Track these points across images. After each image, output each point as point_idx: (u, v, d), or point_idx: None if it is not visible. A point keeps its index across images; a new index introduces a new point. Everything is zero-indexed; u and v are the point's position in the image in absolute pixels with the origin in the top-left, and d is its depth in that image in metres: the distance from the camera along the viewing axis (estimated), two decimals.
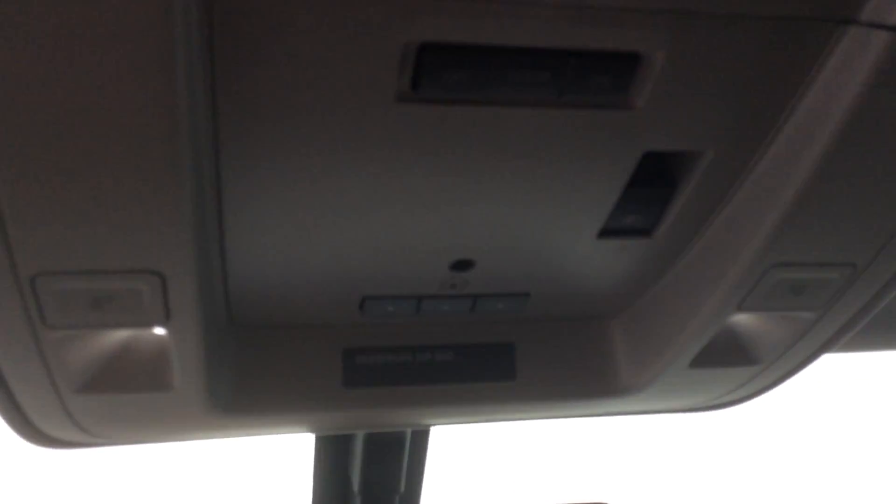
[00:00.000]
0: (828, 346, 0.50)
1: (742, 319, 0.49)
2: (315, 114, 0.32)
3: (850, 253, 0.41)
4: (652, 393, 0.52)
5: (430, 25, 0.29)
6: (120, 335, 0.40)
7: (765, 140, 0.37)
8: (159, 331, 0.40)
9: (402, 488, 0.72)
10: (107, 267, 0.34)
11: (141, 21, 0.26)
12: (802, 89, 0.34)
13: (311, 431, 0.57)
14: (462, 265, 0.43)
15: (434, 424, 0.61)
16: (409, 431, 0.68)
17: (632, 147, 0.36)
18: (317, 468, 0.73)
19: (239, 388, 0.47)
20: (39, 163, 0.29)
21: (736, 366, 0.50)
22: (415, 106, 0.32)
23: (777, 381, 0.54)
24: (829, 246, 0.40)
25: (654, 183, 0.40)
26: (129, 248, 0.33)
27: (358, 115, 0.32)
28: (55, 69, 0.26)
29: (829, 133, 0.34)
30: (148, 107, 0.28)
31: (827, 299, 0.44)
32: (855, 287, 0.43)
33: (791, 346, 0.49)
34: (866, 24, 0.31)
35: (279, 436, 0.60)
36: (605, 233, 0.42)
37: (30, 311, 0.35)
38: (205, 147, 0.32)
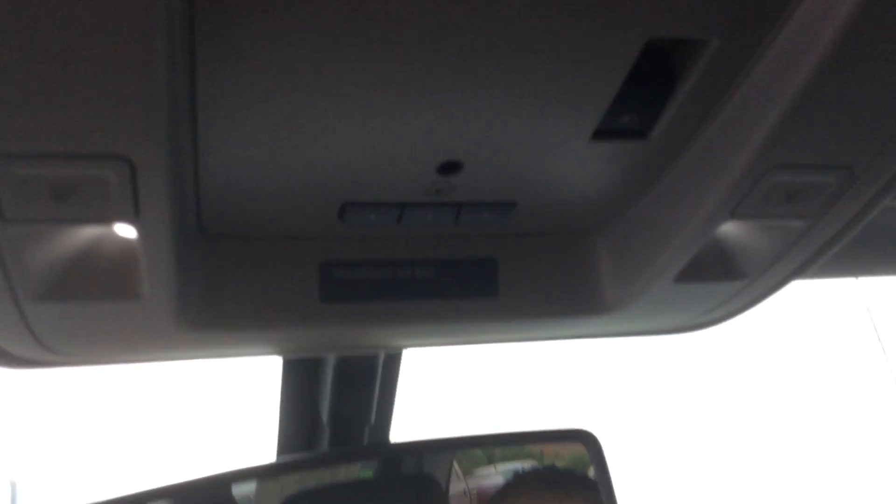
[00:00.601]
0: (813, 260, 0.49)
1: (730, 231, 0.48)
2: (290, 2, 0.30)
3: (847, 155, 0.40)
4: (636, 311, 0.51)
5: None
6: (85, 234, 0.37)
7: (771, 30, 0.35)
8: (128, 234, 0.37)
9: (373, 419, 0.71)
10: (72, 150, 0.31)
11: None
12: None
13: (283, 353, 0.55)
14: (450, 167, 0.41)
15: (413, 346, 0.59)
16: (380, 358, 0.66)
17: (635, 33, 0.34)
18: (284, 399, 0.71)
19: (209, 301, 0.44)
20: None
21: (722, 280, 0.49)
22: None
23: (758, 298, 0.54)
24: (828, 146, 0.39)
25: (652, 79, 0.38)
26: (97, 130, 0.30)
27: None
28: None
29: (835, 28, 0.33)
30: None
31: (820, 206, 0.43)
32: (849, 193, 0.43)
33: (778, 259, 0.48)
34: None
35: (247, 360, 0.58)
36: (599, 134, 0.40)
37: None
38: (179, 26, 0.29)
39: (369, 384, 0.68)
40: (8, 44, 0.27)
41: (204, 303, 0.44)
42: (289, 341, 0.51)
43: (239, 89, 0.34)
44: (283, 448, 0.73)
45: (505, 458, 0.74)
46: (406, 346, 0.61)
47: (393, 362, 0.71)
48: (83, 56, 0.27)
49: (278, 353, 0.54)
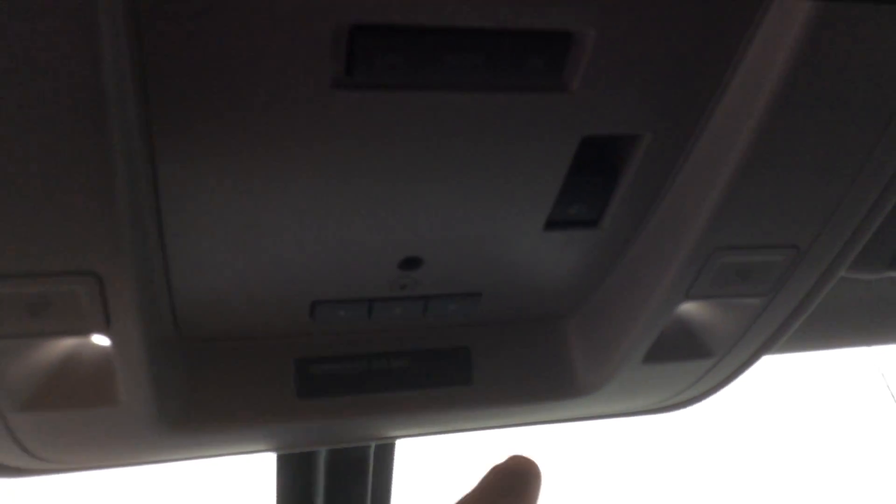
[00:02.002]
0: (777, 335, 0.50)
1: (691, 310, 0.49)
2: (250, 106, 0.32)
3: (791, 234, 0.42)
4: (609, 393, 0.52)
5: (360, 6, 0.29)
6: (62, 346, 0.39)
7: (700, 119, 0.37)
8: (103, 342, 0.39)
9: None
10: (42, 269, 0.33)
11: (64, 10, 0.26)
12: (734, 66, 0.35)
13: (268, 449, 0.56)
14: (411, 263, 0.43)
15: (393, 437, 0.60)
16: (371, 448, 0.67)
17: (569, 132, 0.36)
18: (279, 492, 0.71)
19: (189, 402, 0.46)
20: None
21: (689, 359, 0.50)
22: (350, 93, 0.32)
23: (731, 375, 0.55)
24: (770, 227, 0.41)
25: (596, 171, 0.40)
26: (64, 249, 0.32)
27: (294, 105, 0.32)
28: None
29: (762, 109, 0.35)
30: (73, 100, 0.28)
31: (773, 283, 0.44)
32: (800, 270, 0.44)
33: (742, 336, 0.49)
34: None
35: (238, 457, 0.59)
36: (551, 224, 0.42)
37: None
38: (136, 144, 0.32)
39: (362, 476, 0.69)
40: None
41: (183, 405, 0.45)
42: (271, 438, 0.52)
43: (202, 203, 0.36)
44: None
45: None
46: (388, 438, 0.62)
47: (385, 452, 0.72)
48: (45, 184, 0.30)
49: (262, 450, 0.55)
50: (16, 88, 0.27)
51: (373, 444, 0.67)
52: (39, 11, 0.25)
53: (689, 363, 0.51)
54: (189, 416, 0.46)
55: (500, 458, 0.40)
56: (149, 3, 0.28)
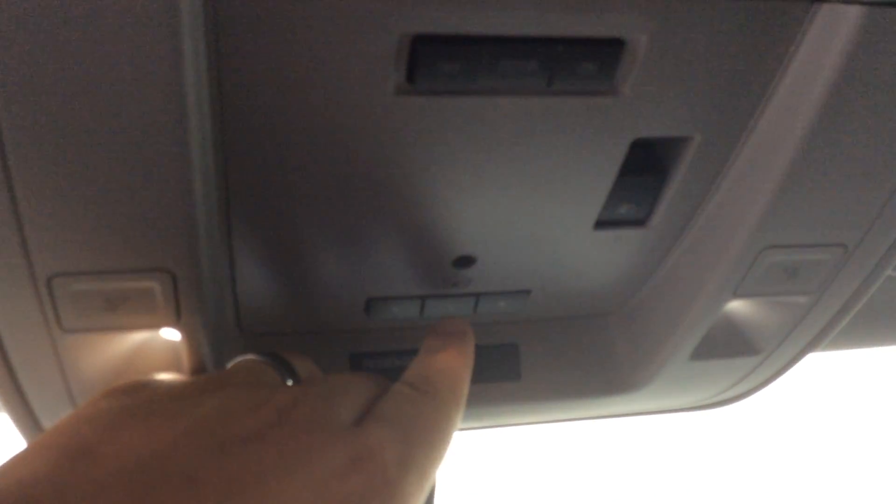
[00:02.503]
0: (824, 333, 0.51)
1: (739, 308, 0.50)
2: (316, 112, 0.34)
3: (839, 233, 0.42)
4: (655, 389, 0.53)
5: (423, 17, 0.31)
6: (132, 339, 0.41)
7: (749, 122, 0.38)
8: (171, 336, 0.41)
9: None
10: (121, 266, 0.35)
11: (147, 19, 0.27)
12: (782, 69, 0.36)
13: None
14: (463, 262, 0.44)
15: None
16: None
17: (621, 134, 0.37)
18: None
19: None
20: (55, 165, 0.31)
21: (735, 356, 0.51)
22: (413, 98, 0.34)
23: (778, 372, 0.55)
24: (818, 227, 0.41)
25: (645, 172, 0.41)
26: (141, 248, 0.34)
27: (359, 111, 0.34)
28: (65, 71, 0.28)
29: (810, 112, 0.36)
30: (155, 105, 0.29)
31: (821, 282, 0.45)
32: (847, 268, 0.45)
33: (789, 334, 0.50)
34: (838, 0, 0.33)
35: None
36: (601, 224, 0.43)
37: (46, 315, 0.36)
38: (211, 149, 0.33)
39: None
40: (67, 182, 0.31)
41: None
42: None
43: (267, 206, 0.38)
44: None
45: None
46: None
47: None
48: (126, 187, 0.32)
49: None
50: (100, 92, 0.29)
51: None
52: (126, 15, 0.27)
53: (735, 360, 0.52)
54: None
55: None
56: (227, 11, 0.30)
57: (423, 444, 0.32)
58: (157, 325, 0.38)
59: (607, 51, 0.33)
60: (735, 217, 0.41)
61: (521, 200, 0.40)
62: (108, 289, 0.36)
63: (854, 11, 0.32)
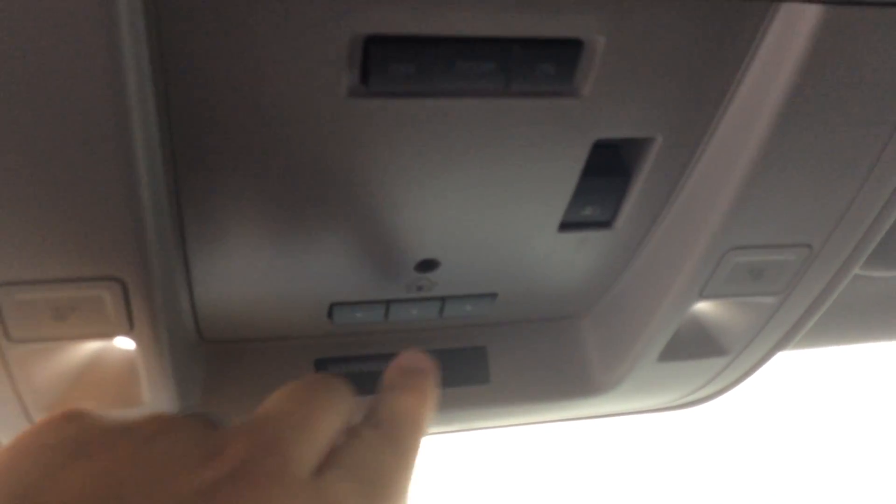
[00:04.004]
0: (792, 333, 0.50)
1: (706, 309, 0.50)
2: (268, 116, 0.33)
3: (804, 234, 0.42)
4: (625, 391, 0.53)
5: (375, 17, 0.30)
6: (86, 349, 0.40)
7: (711, 122, 0.38)
8: (127, 345, 0.40)
9: None
10: (67, 276, 0.34)
11: (83, 18, 0.26)
12: (743, 69, 0.35)
13: None
14: (427, 265, 0.43)
15: None
16: None
17: (582, 135, 0.37)
18: None
19: (211, 404, 0.47)
20: None
21: (704, 357, 0.51)
22: (366, 101, 0.33)
23: (747, 372, 0.55)
24: (783, 227, 0.41)
25: (609, 173, 0.41)
26: (88, 256, 0.33)
27: (311, 114, 0.33)
28: (4, 75, 0.27)
29: (772, 112, 0.35)
30: (96, 109, 0.28)
31: (787, 282, 0.45)
32: (813, 269, 0.44)
33: (757, 334, 0.50)
34: None
35: None
36: (566, 226, 0.43)
37: None
38: (158, 154, 0.32)
39: None
40: (8, 190, 0.30)
41: (205, 405, 0.46)
42: None
43: (222, 210, 0.37)
44: None
45: None
46: None
47: None
48: (69, 193, 0.31)
49: None
50: (37, 94, 0.28)
51: None
52: (58, 15, 0.26)
53: (704, 361, 0.51)
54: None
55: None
56: (169, 12, 0.29)
57: (385, 496, 0.31)
58: (109, 335, 0.37)
59: (565, 52, 0.33)
60: (699, 218, 0.41)
61: (483, 202, 0.40)
62: (56, 298, 0.35)
63: (813, 11, 0.32)
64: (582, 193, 0.41)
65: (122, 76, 0.28)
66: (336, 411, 0.33)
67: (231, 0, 0.29)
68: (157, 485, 0.26)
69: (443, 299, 0.47)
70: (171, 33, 0.29)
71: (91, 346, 0.40)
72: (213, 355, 0.47)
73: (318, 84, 0.32)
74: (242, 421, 0.31)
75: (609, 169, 0.41)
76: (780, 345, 0.52)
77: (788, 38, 0.33)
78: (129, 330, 0.37)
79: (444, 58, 0.32)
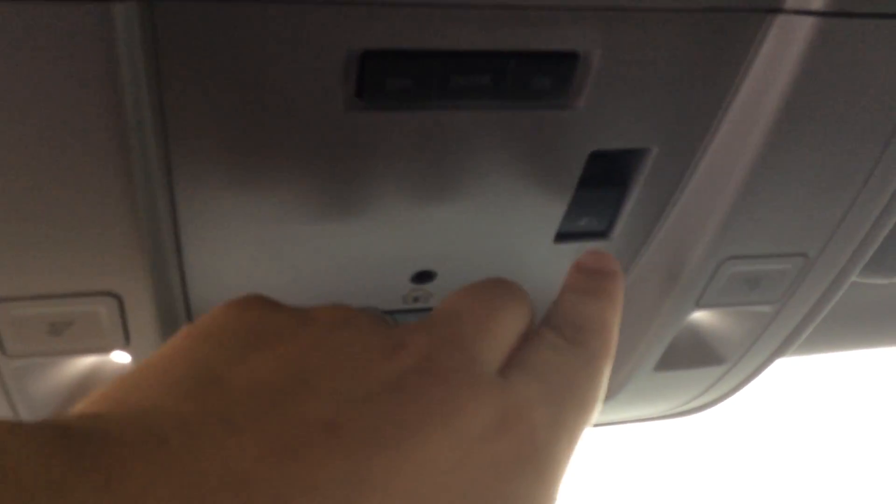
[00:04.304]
0: (790, 341, 0.50)
1: (703, 318, 0.50)
2: (266, 129, 0.33)
3: (800, 243, 0.42)
4: (623, 400, 0.53)
5: (371, 32, 0.30)
6: (83, 363, 0.40)
7: (707, 133, 0.38)
8: (123, 359, 0.40)
9: None
10: (63, 290, 0.34)
11: (83, 38, 0.26)
12: (738, 80, 0.35)
13: None
14: (423, 277, 0.43)
15: None
16: None
17: (577, 147, 0.37)
18: None
19: None
20: None
21: (701, 366, 0.51)
22: (363, 114, 0.33)
23: (745, 380, 0.55)
24: (779, 236, 0.41)
25: (605, 184, 0.41)
26: (84, 271, 0.33)
27: (309, 127, 0.33)
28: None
29: (767, 123, 0.35)
30: (94, 126, 0.29)
31: (783, 291, 0.45)
32: (809, 278, 0.44)
33: (754, 343, 0.50)
34: (791, 11, 0.32)
35: None
36: (562, 237, 0.43)
37: None
38: (155, 167, 0.32)
39: None
40: (4, 207, 0.30)
41: None
42: None
43: (219, 223, 0.37)
44: None
45: None
46: None
47: None
48: (65, 209, 0.31)
49: None
50: (35, 112, 0.28)
51: None
52: (56, 36, 0.26)
53: (701, 370, 0.51)
54: None
55: None
56: (167, 27, 0.29)
57: (573, 404, 0.28)
58: (106, 349, 0.37)
59: (561, 65, 0.33)
60: (695, 228, 0.41)
61: (479, 214, 0.40)
62: (52, 313, 0.35)
63: (807, 22, 0.32)
64: (578, 204, 0.41)
65: (121, 93, 0.28)
66: (517, 314, 0.31)
67: (227, 16, 0.29)
68: (344, 374, 0.25)
69: None
70: (167, 47, 0.29)
71: (87, 361, 0.40)
72: None
73: (316, 98, 0.32)
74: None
75: (605, 180, 0.41)
76: (778, 353, 0.52)
77: (783, 50, 0.33)
78: (126, 344, 0.37)
79: (439, 72, 0.32)
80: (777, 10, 0.33)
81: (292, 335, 0.27)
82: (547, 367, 0.29)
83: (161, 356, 0.25)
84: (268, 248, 0.39)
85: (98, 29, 0.26)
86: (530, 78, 0.33)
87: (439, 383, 0.25)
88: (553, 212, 0.41)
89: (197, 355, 0.25)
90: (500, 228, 0.41)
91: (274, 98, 0.32)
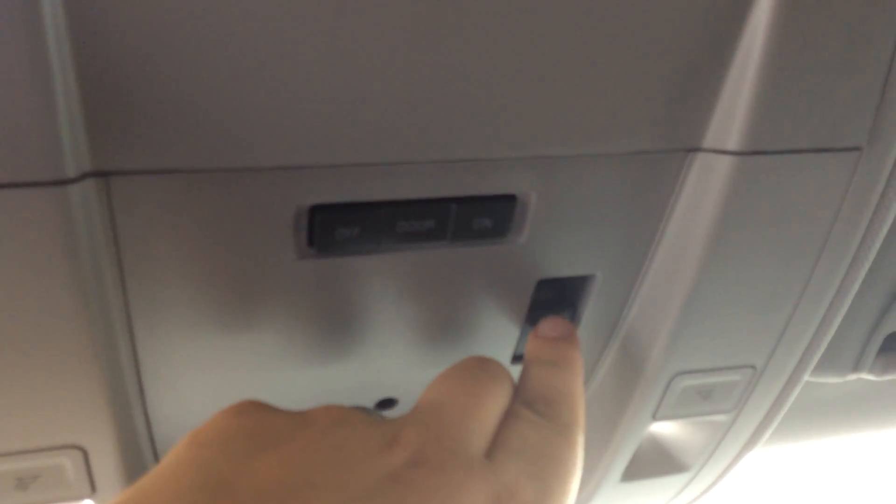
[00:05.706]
0: (750, 444, 0.51)
1: (663, 428, 0.51)
2: (223, 282, 0.34)
3: (746, 355, 0.44)
4: None
5: (317, 189, 0.32)
6: None
7: (645, 259, 0.40)
8: None
9: None
10: (29, 447, 0.35)
11: (42, 220, 0.28)
12: (668, 211, 0.38)
13: None
14: (386, 403, 0.44)
15: None
16: None
17: (524, 276, 0.39)
18: None
19: None
20: None
21: (666, 475, 0.52)
22: (315, 261, 0.35)
23: (712, 484, 0.56)
24: (725, 351, 0.43)
25: (556, 306, 0.42)
26: (49, 427, 0.34)
27: (263, 275, 0.35)
28: None
29: (698, 248, 0.37)
30: (57, 297, 0.30)
31: (736, 401, 0.46)
32: (760, 386, 0.46)
33: (715, 449, 0.51)
34: (709, 150, 0.35)
35: None
36: (518, 359, 0.44)
37: None
38: (116, 323, 0.34)
39: None
40: None
41: None
42: None
43: (182, 370, 0.38)
44: None
45: None
46: None
47: None
48: (33, 371, 0.32)
49: None
50: None
51: None
52: (14, 220, 0.28)
53: (666, 478, 0.52)
54: None
55: None
56: (123, 199, 0.30)
57: (557, 476, 0.30)
58: (73, 499, 0.38)
59: (500, 206, 0.35)
60: (644, 346, 0.43)
61: (435, 344, 0.41)
62: (18, 469, 0.35)
63: (725, 159, 0.34)
64: (532, 326, 0.42)
65: (80, 265, 0.29)
66: (498, 394, 0.33)
67: (181, 185, 0.30)
68: (345, 471, 0.26)
69: None
70: (124, 217, 0.31)
71: None
72: None
73: (269, 249, 0.34)
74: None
75: (556, 302, 0.42)
76: (741, 455, 0.53)
77: (706, 184, 0.36)
78: (92, 493, 0.37)
79: (385, 220, 0.34)
80: (696, 149, 0.35)
81: (292, 436, 0.28)
82: (528, 444, 0.31)
83: (168, 464, 0.27)
84: (232, 386, 0.40)
85: (56, 210, 0.28)
86: (472, 219, 0.35)
87: (434, 473, 0.27)
88: (508, 337, 0.42)
89: (202, 461, 0.27)
90: (458, 356, 0.42)
91: (229, 253, 0.33)
